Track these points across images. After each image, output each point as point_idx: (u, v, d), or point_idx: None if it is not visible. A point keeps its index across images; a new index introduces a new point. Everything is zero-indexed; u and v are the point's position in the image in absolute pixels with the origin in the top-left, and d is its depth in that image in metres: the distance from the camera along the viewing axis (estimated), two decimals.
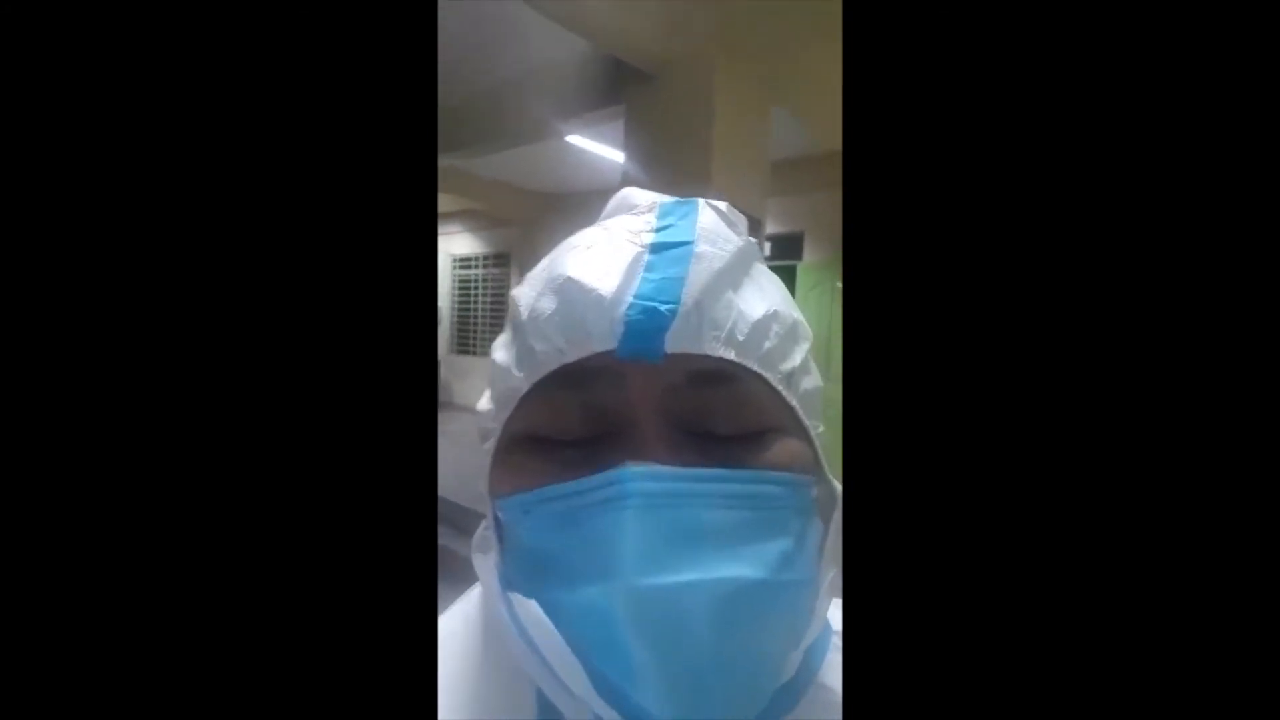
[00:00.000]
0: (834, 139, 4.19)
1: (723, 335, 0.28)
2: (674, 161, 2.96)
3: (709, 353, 0.28)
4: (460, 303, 8.28)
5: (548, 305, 0.29)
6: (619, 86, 3.13)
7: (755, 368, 0.29)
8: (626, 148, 3.12)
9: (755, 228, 3.25)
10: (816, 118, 3.75)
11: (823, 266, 4.82)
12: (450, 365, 8.12)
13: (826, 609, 0.30)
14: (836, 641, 0.34)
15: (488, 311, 7.93)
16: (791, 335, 0.31)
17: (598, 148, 4.45)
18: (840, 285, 4.63)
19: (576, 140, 4.31)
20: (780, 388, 0.29)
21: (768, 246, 4.74)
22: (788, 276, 4.24)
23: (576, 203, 6.83)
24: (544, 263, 0.32)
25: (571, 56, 3.31)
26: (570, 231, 0.33)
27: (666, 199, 0.32)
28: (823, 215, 5.11)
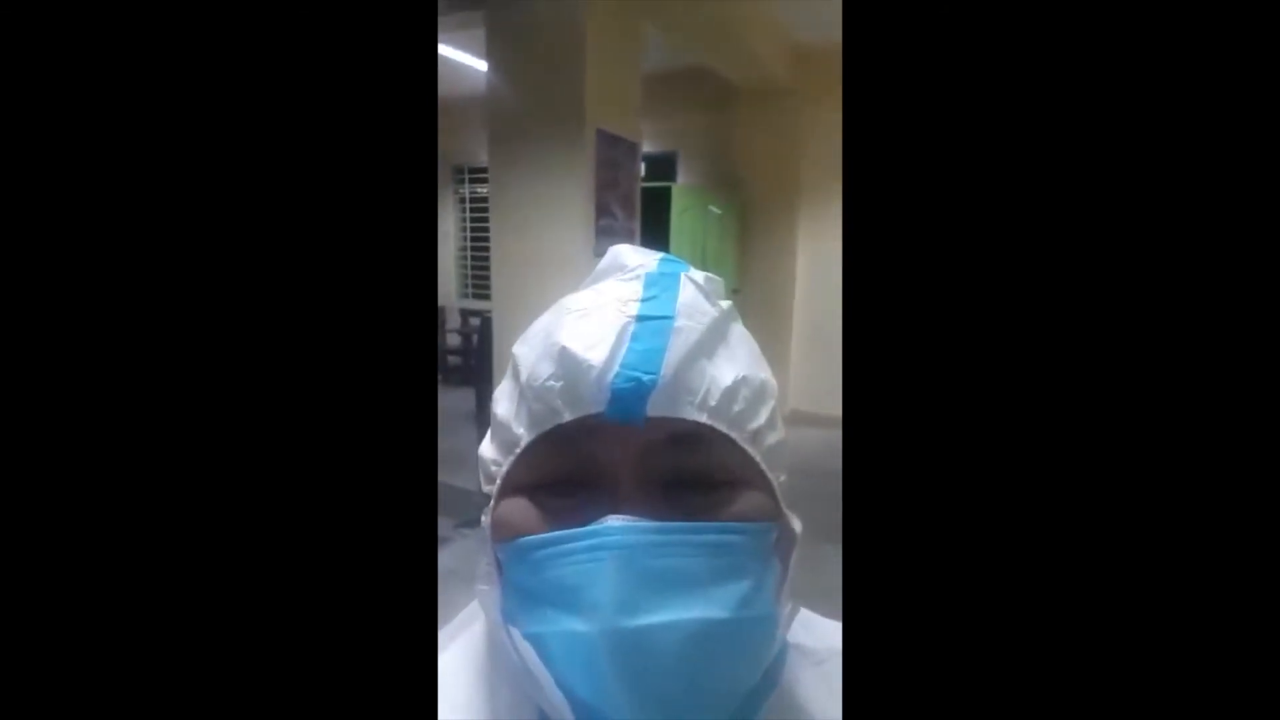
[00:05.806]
0: (699, 55, 4.14)
1: (696, 400, 0.32)
2: (545, 80, 2.80)
3: (684, 417, 0.32)
4: None
5: (545, 370, 0.33)
6: None
7: (725, 429, 0.32)
8: (489, 61, 2.92)
9: (633, 151, 3.19)
10: (682, 32, 3.67)
11: (696, 191, 4.84)
12: None
13: (785, 634, 0.35)
14: (795, 655, 0.39)
15: None
16: (759, 396, 0.34)
17: (460, 56, 4.13)
18: (714, 210, 4.70)
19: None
20: (747, 445, 0.33)
21: (643, 167, 4.68)
22: (662, 198, 4.22)
23: (442, 114, 6.33)
24: (542, 322, 0.37)
25: None
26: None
27: (653, 265, 0.37)
28: (695, 136, 5.09)
